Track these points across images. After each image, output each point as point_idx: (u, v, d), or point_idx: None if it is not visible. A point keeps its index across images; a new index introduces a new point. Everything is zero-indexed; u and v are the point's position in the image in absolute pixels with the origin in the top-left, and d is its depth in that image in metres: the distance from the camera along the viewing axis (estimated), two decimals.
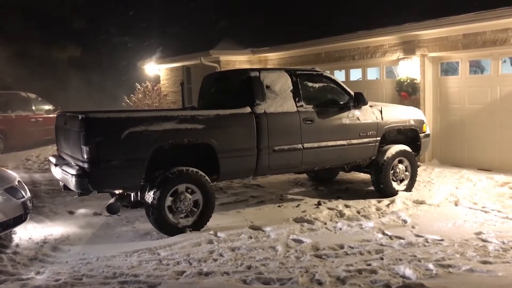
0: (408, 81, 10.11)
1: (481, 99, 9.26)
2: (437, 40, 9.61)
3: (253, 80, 6.67)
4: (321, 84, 7.26)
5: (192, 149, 6.19)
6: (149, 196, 5.72)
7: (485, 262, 4.58)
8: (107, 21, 25.79)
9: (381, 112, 7.53)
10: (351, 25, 11.27)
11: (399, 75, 10.42)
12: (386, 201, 7.11)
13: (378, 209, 6.78)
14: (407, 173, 7.67)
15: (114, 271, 4.62)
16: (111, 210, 5.83)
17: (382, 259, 4.77)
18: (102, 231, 6.16)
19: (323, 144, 6.97)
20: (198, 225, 5.96)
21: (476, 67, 10.63)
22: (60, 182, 6.46)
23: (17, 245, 5.49)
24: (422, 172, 8.95)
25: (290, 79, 6.91)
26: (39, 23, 23.74)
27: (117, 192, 6.03)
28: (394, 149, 7.53)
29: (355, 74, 12.22)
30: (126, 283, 4.33)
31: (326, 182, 8.69)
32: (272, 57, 14.44)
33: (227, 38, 15.15)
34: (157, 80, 19.04)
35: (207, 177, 6.05)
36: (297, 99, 6.85)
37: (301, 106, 6.86)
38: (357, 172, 8.27)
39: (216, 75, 9.05)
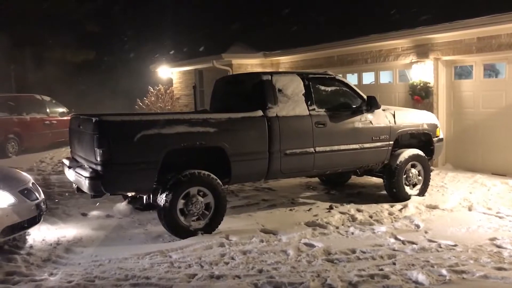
0: (421, 84, 10.04)
1: (496, 103, 9.16)
2: (450, 44, 9.54)
3: (265, 84, 6.67)
4: (333, 88, 7.24)
5: (204, 152, 6.21)
6: (161, 199, 5.75)
7: (499, 269, 4.52)
8: (120, 25, 26.02)
9: (394, 116, 7.48)
10: (364, 29, 11.23)
11: (412, 79, 10.35)
12: (398, 205, 7.06)
13: (390, 213, 6.73)
14: (420, 177, 7.61)
15: (126, 273, 4.65)
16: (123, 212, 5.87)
17: (394, 264, 4.74)
18: (114, 233, 6.19)
19: (335, 148, 6.95)
20: (209, 228, 5.97)
21: (491, 71, 10.51)
22: (74, 184, 6.52)
23: (31, 247, 5.55)
24: (435, 176, 8.87)
25: (302, 83, 6.90)
26: (53, 27, 24.02)
27: (129, 194, 6.07)
28: (407, 153, 7.48)
29: (368, 78, 12.17)
30: (138, 285, 4.35)
31: (338, 186, 8.65)
32: (284, 61, 14.44)
33: (239, 42, 15.19)
34: (169, 83, 19.16)
35: (218, 180, 6.06)
36: (309, 103, 6.84)
37: (313, 109, 6.84)
38: (369, 176, 8.22)
39: (228, 78, 9.09)
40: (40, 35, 23.88)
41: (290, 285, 4.27)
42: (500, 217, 6.35)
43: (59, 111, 16.39)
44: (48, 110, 15.96)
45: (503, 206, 6.85)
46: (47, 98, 16.43)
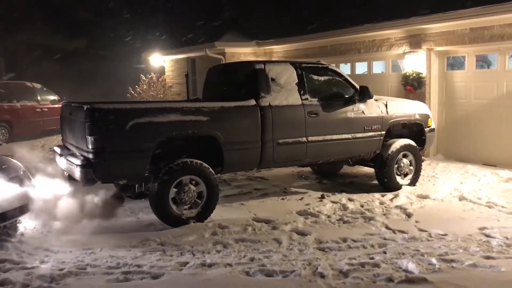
0: (414, 75, 10.06)
1: (487, 94, 9.21)
2: (443, 34, 9.55)
3: (258, 73, 6.65)
4: (326, 77, 7.24)
5: (196, 141, 6.19)
6: (154, 187, 5.74)
7: (488, 258, 4.57)
8: (112, 13, 25.74)
9: (386, 106, 7.50)
10: (357, 18, 11.21)
11: (405, 69, 10.37)
12: (390, 195, 7.10)
13: (381, 203, 6.78)
14: (411, 167, 7.66)
15: (117, 261, 4.65)
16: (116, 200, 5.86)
17: (385, 253, 4.78)
18: (106, 221, 6.17)
19: (328, 137, 6.96)
20: (202, 216, 5.98)
21: (483, 62, 10.55)
22: (65, 172, 6.49)
23: (22, 234, 5.53)
24: (427, 166, 8.93)
25: (295, 72, 6.88)
26: (44, 14, 23.73)
27: (121, 182, 6.05)
28: (399, 143, 7.52)
29: (361, 68, 12.17)
30: (129, 273, 4.36)
31: (330, 176, 8.69)
32: (278, 50, 14.39)
33: (232, 30, 15.10)
34: (162, 71, 19.03)
35: (211, 169, 6.06)
36: (302, 92, 6.83)
37: (306, 99, 6.84)
38: (361, 166, 8.26)
39: (221, 67, 9.06)
40: (31, 22, 23.58)
41: (281, 273, 4.29)
42: (489, 207, 6.41)
43: (50, 99, 16.25)
44: (39, 97, 15.82)
45: (493, 196, 6.91)
46: (38, 86, 16.28)
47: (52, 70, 22.24)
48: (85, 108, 5.52)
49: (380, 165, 7.47)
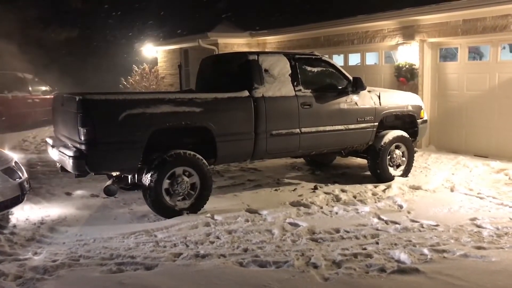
0: (407, 66, 10.09)
1: (480, 86, 9.25)
2: (436, 26, 9.56)
3: (251, 64, 6.63)
4: (319, 69, 7.23)
5: (189, 132, 6.18)
6: (147, 179, 5.73)
7: (479, 248, 4.62)
8: (104, 2, 25.51)
9: (379, 97, 7.51)
10: (351, 9, 11.18)
11: (398, 60, 10.38)
12: (382, 186, 7.14)
13: (374, 194, 6.81)
14: (403, 158, 7.70)
15: (111, 252, 4.65)
16: (108, 192, 5.85)
17: (377, 243, 4.81)
18: (99, 212, 6.18)
19: (321, 128, 6.97)
20: (195, 207, 5.98)
21: (475, 53, 10.59)
22: (57, 163, 6.46)
23: (14, 226, 5.50)
24: (419, 157, 8.97)
25: (288, 63, 6.87)
26: (35, 3, 23.47)
27: (114, 174, 6.03)
28: (391, 134, 7.54)
29: (354, 59, 12.17)
30: (123, 264, 4.36)
31: (323, 167, 8.71)
32: (271, 41, 14.35)
33: (225, 21, 15.04)
34: (154, 62, 18.92)
35: (204, 160, 6.05)
36: (295, 83, 6.82)
37: (299, 90, 6.84)
38: (354, 157, 8.28)
39: (214, 58, 9.01)
40: (21, 12, 23.31)
41: (274, 263, 4.32)
42: (481, 198, 6.47)
43: (41, 90, 16.11)
44: (30, 88, 15.67)
45: (484, 187, 6.97)
46: (29, 76, 16.12)
47: (44, 61, 22.01)
48: (77, 99, 5.47)
49: (372, 156, 7.50)
